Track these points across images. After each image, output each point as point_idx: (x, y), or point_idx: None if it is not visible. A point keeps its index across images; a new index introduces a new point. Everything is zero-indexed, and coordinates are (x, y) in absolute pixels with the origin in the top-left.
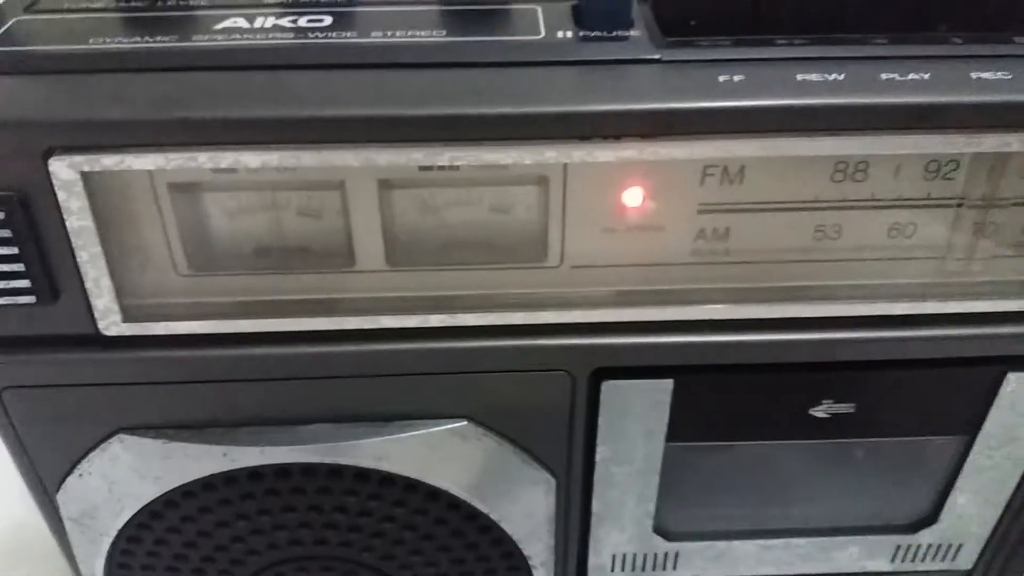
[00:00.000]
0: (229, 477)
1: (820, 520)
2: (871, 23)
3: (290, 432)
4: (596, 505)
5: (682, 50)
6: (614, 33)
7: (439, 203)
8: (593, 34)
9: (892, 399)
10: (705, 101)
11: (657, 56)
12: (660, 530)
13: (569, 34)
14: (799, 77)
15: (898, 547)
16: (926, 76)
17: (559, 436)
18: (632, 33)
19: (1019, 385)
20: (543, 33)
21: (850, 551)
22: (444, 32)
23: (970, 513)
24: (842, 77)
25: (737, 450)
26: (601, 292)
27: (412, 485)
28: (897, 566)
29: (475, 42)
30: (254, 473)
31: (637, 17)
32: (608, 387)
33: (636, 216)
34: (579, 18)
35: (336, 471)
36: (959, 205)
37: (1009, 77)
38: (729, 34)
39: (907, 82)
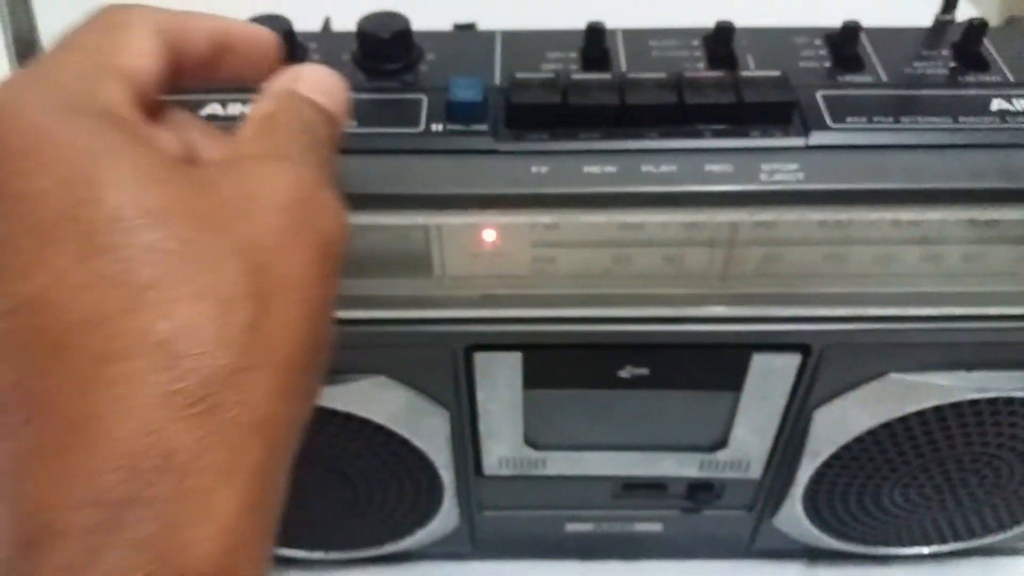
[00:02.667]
0: None
1: (645, 439)
2: (648, 119)
3: None
4: (482, 427)
5: (514, 143)
6: (471, 127)
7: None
8: (457, 127)
9: (676, 366)
10: (518, 188)
11: (495, 147)
12: (530, 442)
13: (440, 127)
14: (585, 170)
15: (702, 461)
16: (673, 169)
17: (449, 386)
18: (483, 127)
19: (761, 361)
20: (422, 127)
21: (667, 462)
22: (355, 124)
23: (750, 441)
24: (614, 170)
25: (575, 394)
26: (471, 295)
27: (349, 416)
28: (705, 473)
29: (367, 133)
30: None
31: (493, 108)
32: (479, 357)
33: (492, 246)
34: (448, 113)
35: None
36: (711, 245)
37: (731, 170)
38: (548, 128)
39: (660, 174)
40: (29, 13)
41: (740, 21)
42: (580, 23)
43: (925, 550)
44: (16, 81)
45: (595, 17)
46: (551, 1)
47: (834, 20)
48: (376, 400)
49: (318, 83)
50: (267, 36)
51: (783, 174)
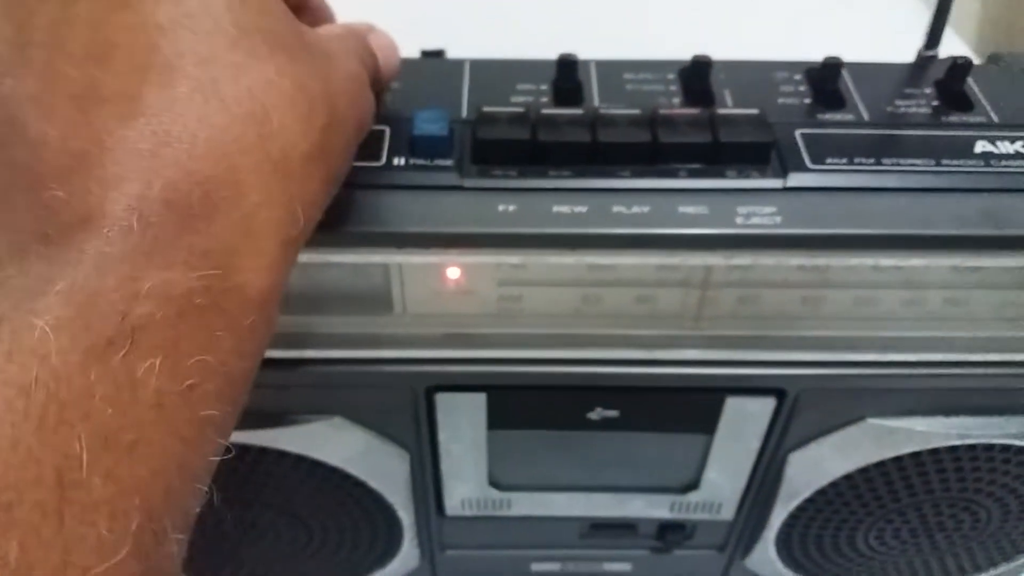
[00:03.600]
0: None
1: (614, 480)
2: (621, 157)
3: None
4: (444, 467)
5: (480, 179)
6: (435, 162)
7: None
8: (420, 162)
9: (648, 409)
10: (484, 228)
11: (460, 184)
12: (494, 483)
13: (403, 161)
14: (554, 209)
15: (674, 502)
16: (646, 210)
17: (409, 427)
18: (448, 162)
19: (735, 404)
20: (383, 160)
21: (637, 503)
22: None
23: (721, 483)
24: (585, 210)
25: (541, 434)
26: (433, 333)
27: (301, 458)
28: (676, 514)
29: None
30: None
31: (459, 141)
32: (441, 398)
33: (455, 284)
34: (411, 148)
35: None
36: (684, 286)
37: (706, 212)
38: (516, 165)
39: (631, 215)
40: None
41: (718, 51)
42: (554, 52)
43: None
44: None
45: (569, 46)
46: (525, 29)
47: (815, 52)
48: (332, 442)
49: (383, 43)
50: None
51: (760, 217)
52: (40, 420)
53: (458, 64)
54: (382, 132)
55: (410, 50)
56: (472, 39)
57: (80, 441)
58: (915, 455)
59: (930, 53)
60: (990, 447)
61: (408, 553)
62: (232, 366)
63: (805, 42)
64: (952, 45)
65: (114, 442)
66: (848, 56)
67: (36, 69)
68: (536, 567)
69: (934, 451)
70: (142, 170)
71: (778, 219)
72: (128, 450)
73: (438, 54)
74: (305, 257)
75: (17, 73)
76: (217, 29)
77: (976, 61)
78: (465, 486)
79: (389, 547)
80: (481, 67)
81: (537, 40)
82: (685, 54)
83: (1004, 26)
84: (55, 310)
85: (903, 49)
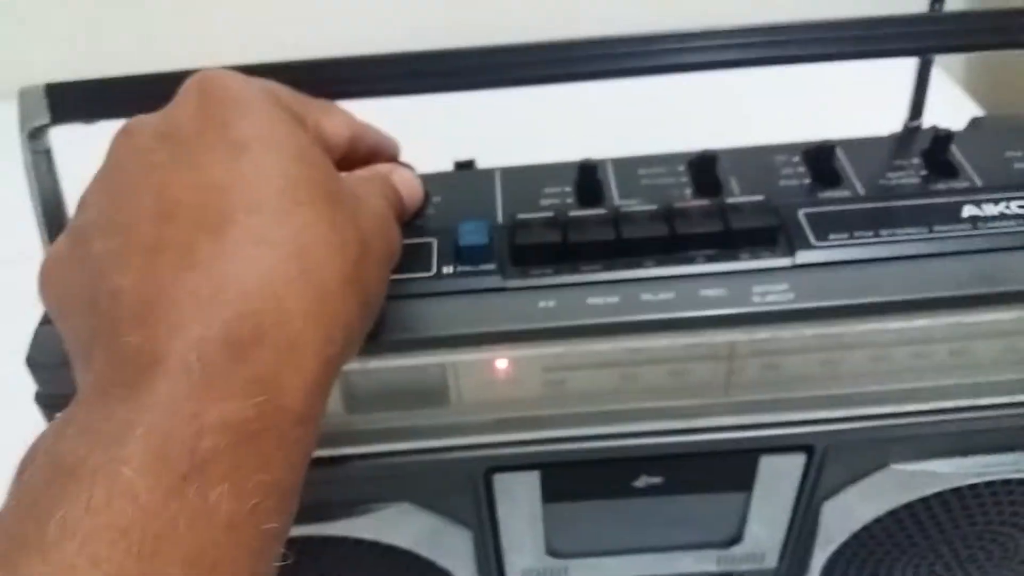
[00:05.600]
0: None
1: (663, 541)
2: (643, 249)
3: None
4: (504, 542)
5: (521, 279)
6: (479, 267)
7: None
8: (466, 268)
9: (689, 473)
10: (529, 324)
11: (503, 285)
12: (551, 552)
13: (451, 269)
14: (589, 301)
15: (720, 556)
16: (671, 296)
17: (470, 507)
18: (491, 266)
19: (768, 463)
20: (434, 270)
21: (686, 560)
22: None
23: (762, 535)
24: (616, 300)
25: (591, 504)
26: (487, 420)
27: (375, 544)
28: (722, 567)
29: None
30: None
31: (498, 246)
32: (498, 478)
33: (504, 374)
34: (457, 255)
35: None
36: (712, 360)
37: (725, 294)
38: (551, 263)
39: (658, 301)
40: (56, 186)
41: (722, 133)
42: (572, 144)
43: None
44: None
45: (583, 140)
46: (544, 129)
47: (812, 119)
48: (400, 526)
49: (405, 178)
50: (394, 142)
51: (774, 295)
52: (139, 553)
53: (489, 174)
54: (430, 244)
55: (441, 161)
56: (497, 144)
57: (174, 567)
58: (939, 495)
59: (915, 124)
60: (1008, 482)
61: None
62: (285, 480)
63: (803, 112)
64: (942, 89)
65: (198, 562)
66: (842, 121)
67: (119, 230)
68: None
69: (956, 490)
70: (202, 313)
71: (791, 295)
72: (210, 569)
73: (469, 164)
74: (373, 364)
75: (107, 235)
76: (267, 183)
77: (967, 111)
78: (525, 558)
79: None
80: (510, 175)
81: (556, 138)
82: (692, 138)
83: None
84: (138, 456)
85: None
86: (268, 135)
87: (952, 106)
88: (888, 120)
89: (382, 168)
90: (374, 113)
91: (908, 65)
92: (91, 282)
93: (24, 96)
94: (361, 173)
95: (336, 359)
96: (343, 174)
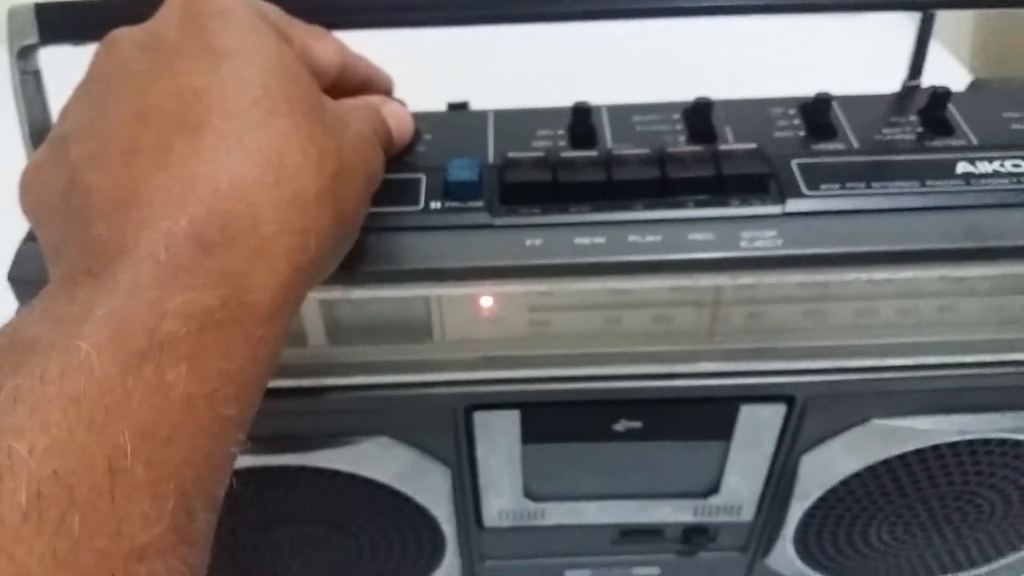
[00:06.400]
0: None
1: (640, 488)
2: (634, 192)
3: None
4: (482, 482)
5: (509, 218)
6: (468, 204)
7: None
8: (454, 204)
9: (668, 419)
10: (514, 261)
11: (491, 222)
12: (529, 494)
13: (439, 204)
14: (576, 241)
15: (696, 507)
16: (659, 238)
17: (450, 444)
18: (480, 204)
19: (748, 412)
20: (421, 204)
21: (663, 508)
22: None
23: (740, 486)
24: (603, 241)
25: (572, 447)
26: (470, 357)
27: (353, 476)
28: (700, 518)
29: (372, 213)
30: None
31: (488, 185)
32: (478, 416)
33: (489, 312)
34: (445, 191)
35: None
36: (697, 306)
37: (713, 238)
38: (540, 203)
39: (646, 243)
40: (44, 107)
41: (719, 89)
42: (568, 97)
43: None
44: None
45: (581, 91)
46: (540, 77)
47: (809, 84)
48: (379, 460)
49: (396, 111)
50: (387, 77)
51: (762, 241)
52: (90, 421)
53: (482, 115)
54: (419, 180)
55: (436, 103)
56: (492, 90)
57: (124, 436)
58: (919, 452)
59: (913, 83)
60: (987, 442)
61: (450, 564)
62: (247, 371)
63: (801, 75)
64: (945, 66)
65: (151, 436)
66: (841, 86)
67: (96, 135)
68: (570, 574)
69: (936, 448)
70: (171, 210)
71: (779, 241)
72: (164, 443)
73: (463, 106)
74: (356, 294)
75: (86, 140)
76: (245, 91)
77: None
78: (502, 498)
79: (433, 558)
80: (503, 116)
81: (552, 87)
82: (689, 94)
83: (996, 50)
84: (96, 334)
85: (891, 75)
86: (250, 46)
87: (954, 79)
88: (890, 85)
89: (373, 99)
90: (371, 53)
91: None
92: (67, 184)
93: (13, 16)
94: (350, 101)
95: (308, 268)
96: (331, 100)
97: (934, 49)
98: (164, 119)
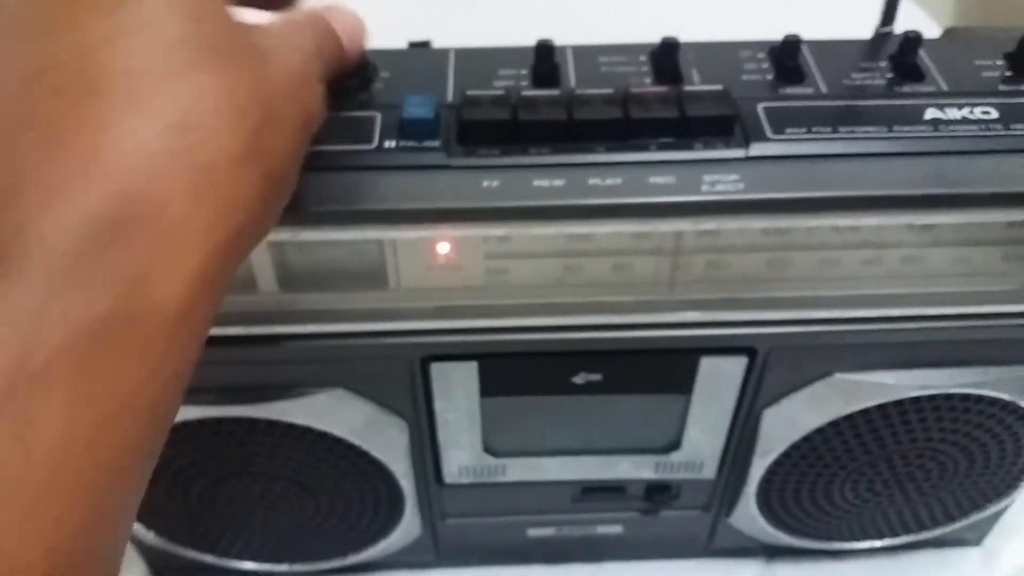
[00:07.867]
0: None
1: (601, 443)
2: (595, 133)
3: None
4: (441, 436)
5: (465, 158)
6: (423, 143)
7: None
8: (409, 144)
9: (628, 371)
10: (470, 203)
11: (447, 163)
12: (488, 449)
13: (394, 143)
14: (534, 183)
15: (658, 463)
16: (619, 182)
17: (406, 396)
18: (436, 144)
19: (709, 364)
20: (375, 143)
21: (624, 464)
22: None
23: (702, 441)
24: (562, 183)
25: (531, 400)
26: (426, 306)
27: (307, 429)
28: (661, 474)
29: (322, 151)
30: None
31: (445, 124)
32: (435, 367)
33: (445, 258)
34: (400, 130)
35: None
36: (658, 254)
37: (674, 182)
38: (498, 144)
39: (606, 186)
40: None
41: (688, 33)
42: (535, 38)
43: (878, 543)
44: None
45: (549, 33)
46: (506, 18)
47: (780, 31)
48: (334, 413)
49: (343, 19)
50: None
51: (724, 184)
52: None
53: (443, 53)
54: (373, 117)
55: (397, 42)
56: (455, 30)
57: None
58: (881, 407)
59: (886, 30)
60: (950, 396)
61: (410, 522)
62: (150, 393)
63: (772, 22)
64: (918, 23)
65: (11, 498)
66: (812, 33)
67: None
68: (532, 532)
69: (898, 403)
70: (60, 198)
71: (741, 185)
72: (23, 517)
73: (424, 45)
74: (305, 235)
75: None
76: (149, 40)
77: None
78: (461, 453)
79: (392, 516)
80: (465, 55)
81: (517, 29)
82: (656, 36)
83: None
84: None
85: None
86: None
87: (927, 33)
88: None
89: (311, 14)
90: None
91: None
92: None
93: None
94: (280, 20)
95: (229, 246)
96: (254, 21)
97: (909, 8)
98: (56, 83)
